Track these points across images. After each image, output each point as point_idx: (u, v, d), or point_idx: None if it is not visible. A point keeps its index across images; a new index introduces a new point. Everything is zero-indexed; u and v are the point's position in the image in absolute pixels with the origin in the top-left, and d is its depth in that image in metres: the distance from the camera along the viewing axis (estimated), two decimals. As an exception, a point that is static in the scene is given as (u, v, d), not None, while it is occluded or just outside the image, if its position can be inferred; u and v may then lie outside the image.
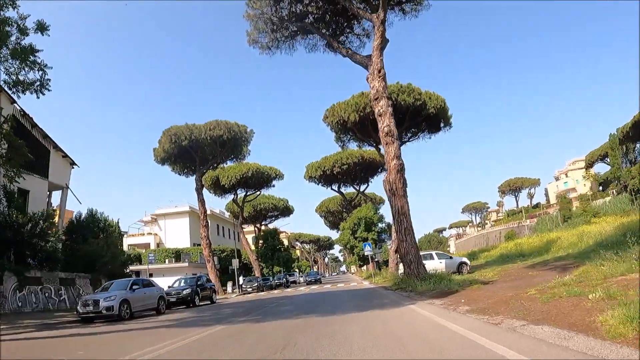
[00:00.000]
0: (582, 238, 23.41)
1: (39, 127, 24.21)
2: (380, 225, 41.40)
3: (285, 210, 65.25)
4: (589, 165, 74.56)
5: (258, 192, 51.77)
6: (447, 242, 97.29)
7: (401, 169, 17.10)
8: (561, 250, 23.10)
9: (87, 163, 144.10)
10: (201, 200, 34.93)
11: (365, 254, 28.81)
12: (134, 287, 16.30)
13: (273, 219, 67.37)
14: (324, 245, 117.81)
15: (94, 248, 23.87)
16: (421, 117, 29.52)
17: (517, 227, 58.07)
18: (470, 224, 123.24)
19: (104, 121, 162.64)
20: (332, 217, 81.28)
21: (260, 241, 53.77)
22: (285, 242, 74.72)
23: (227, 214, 61.28)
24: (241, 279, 35.05)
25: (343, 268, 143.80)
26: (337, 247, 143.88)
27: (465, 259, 22.20)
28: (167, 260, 37.86)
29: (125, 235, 53.10)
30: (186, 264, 35.70)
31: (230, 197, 50.91)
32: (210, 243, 34.70)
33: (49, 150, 25.13)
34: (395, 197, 16.83)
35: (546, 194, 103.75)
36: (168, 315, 16.55)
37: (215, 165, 38.54)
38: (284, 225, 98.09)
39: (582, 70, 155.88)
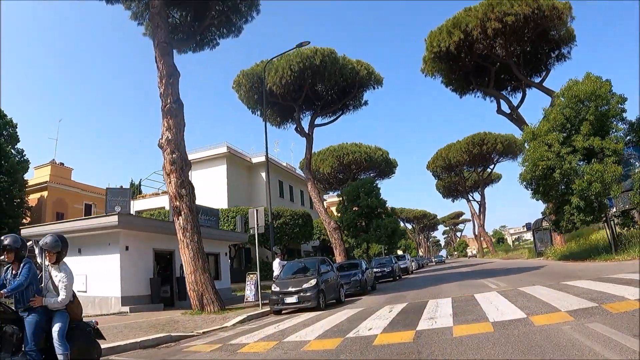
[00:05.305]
0: None
1: None
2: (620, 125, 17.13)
3: (385, 166, 42.83)
4: None
5: (339, 112, 29.70)
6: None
7: None
8: None
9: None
10: (160, 40, 12.73)
11: None
12: None
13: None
14: (428, 224, 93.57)
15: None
16: None
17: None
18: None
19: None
20: (449, 177, 56.18)
21: (346, 201, 31.63)
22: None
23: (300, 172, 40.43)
24: (276, 265, 13.56)
25: (443, 253, 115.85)
26: (440, 228, 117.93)
27: None
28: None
29: (136, 197, 34.89)
30: (114, 221, 13.29)
31: (290, 127, 29.66)
32: (184, 161, 12.69)
33: None
34: None
35: None
36: None
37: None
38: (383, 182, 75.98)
39: None
